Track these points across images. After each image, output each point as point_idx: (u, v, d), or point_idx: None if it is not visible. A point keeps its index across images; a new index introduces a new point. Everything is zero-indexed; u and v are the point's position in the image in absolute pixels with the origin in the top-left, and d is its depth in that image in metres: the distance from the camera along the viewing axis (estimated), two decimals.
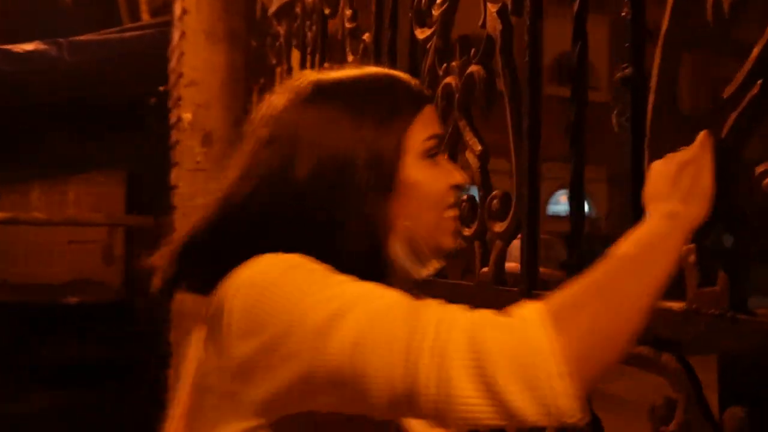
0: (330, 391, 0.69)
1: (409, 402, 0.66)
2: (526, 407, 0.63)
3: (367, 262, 0.82)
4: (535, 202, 1.22)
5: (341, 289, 0.73)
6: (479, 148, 1.38)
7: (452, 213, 0.90)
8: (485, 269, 1.33)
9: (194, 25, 3.20)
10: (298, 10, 2.55)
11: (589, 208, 15.46)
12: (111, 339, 4.85)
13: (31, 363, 4.88)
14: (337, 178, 0.83)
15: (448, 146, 1.47)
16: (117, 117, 4.89)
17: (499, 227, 1.29)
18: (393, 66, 1.79)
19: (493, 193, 1.31)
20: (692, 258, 0.90)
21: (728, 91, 0.84)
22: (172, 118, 3.40)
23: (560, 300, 0.69)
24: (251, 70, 3.16)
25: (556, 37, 2.08)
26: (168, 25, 3.80)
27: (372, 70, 0.94)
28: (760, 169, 0.81)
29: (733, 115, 0.84)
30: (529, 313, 0.68)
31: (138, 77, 4.31)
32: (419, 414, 0.69)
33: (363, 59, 1.95)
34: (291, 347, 0.69)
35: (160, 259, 0.87)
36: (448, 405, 0.64)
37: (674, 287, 0.92)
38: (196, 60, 3.19)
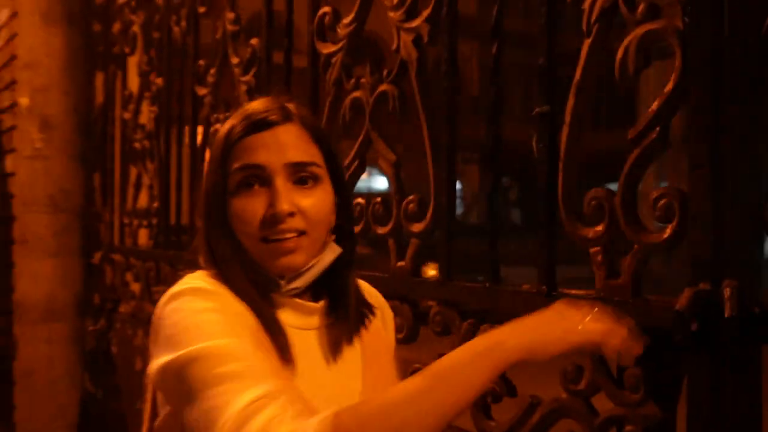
0: None
1: None
2: None
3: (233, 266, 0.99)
4: (452, 207, 1.45)
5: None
6: (393, 157, 1.58)
7: (272, 240, 0.98)
8: (401, 263, 1.55)
9: (28, 5, 3.06)
10: (159, 2, 2.57)
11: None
12: None
13: None
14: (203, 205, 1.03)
15: (358, 154, 1.67)
16: None
17: (416, 227, 1.51)
18: (288, 74, 1.94)
19: (410, 197, 1.53)
20: (600, 258, 1.18)
21: (632, 133, 1.12)
22: (3, 102, 3.22)
23: (353, 416, 0.76)
24: (95, 55, 3.09)
25: None
26: None
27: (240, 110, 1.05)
28: (653, 194, 1.10)
29: (636, 151, 1.12)
30: (320, 425, 0.74)
31: None
32: None
33: (249, 63, 2.06)
34: None
35: None
36: None
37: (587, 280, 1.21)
38: (33, 41, 3.06)
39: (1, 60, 3.25)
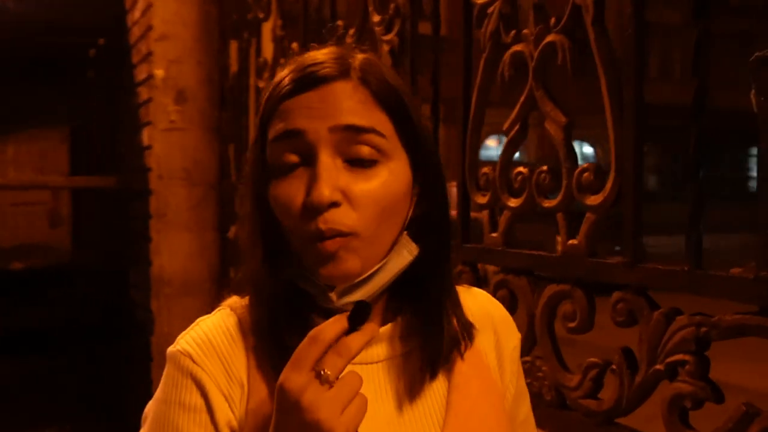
0: None
1: None
2: None
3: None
4: (639, 175, 1.22)
5: None
6: (563, 119, 1.36)
7: (314, 238, 0.72)
8: (572, 241, 1.34)
9: None
10: None
11: None
12: (60, 304, 4.66)
13: None
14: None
15: (519, 117, 1.46)
16: (55, 69, 4.62)
17: (592, 200, 1.29)
18: (436, 31, 1.76)
19: (584, 165, 1.31)
20: None
21: None
22: (140, 74, 3.23)
23: None
24: (229, 23, 3.02)
25: None
26: None
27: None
28: None
29: None
30: None
31: (79, 28, 4.07)
32: None
33: (393, 18, 1.89)
34: None
35: None
36: None
37: None
38: (166, 12, 3.02)
39: (138, 32, 3.25)
